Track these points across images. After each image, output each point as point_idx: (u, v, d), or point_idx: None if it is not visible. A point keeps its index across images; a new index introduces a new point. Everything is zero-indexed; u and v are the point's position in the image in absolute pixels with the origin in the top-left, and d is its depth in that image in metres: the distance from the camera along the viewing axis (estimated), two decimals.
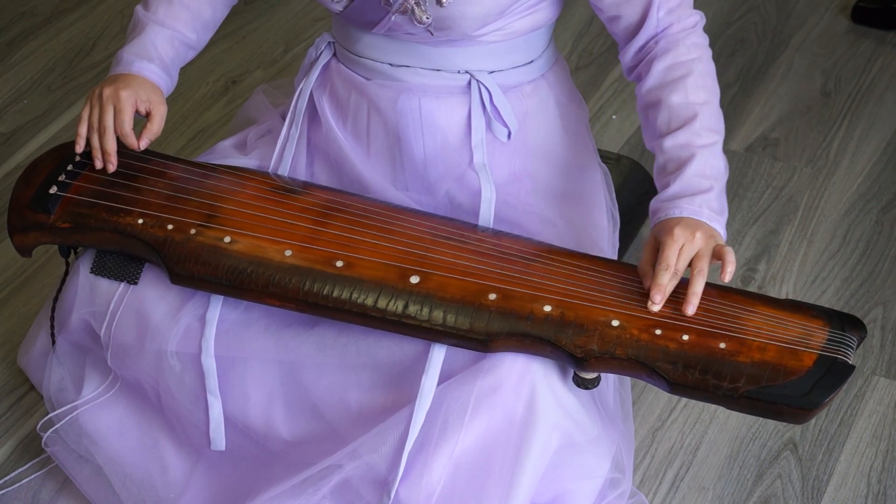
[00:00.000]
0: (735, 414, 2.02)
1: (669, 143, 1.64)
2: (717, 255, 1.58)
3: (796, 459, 1.97)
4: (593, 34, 2.88)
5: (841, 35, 2.89)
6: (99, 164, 1.76)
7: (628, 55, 1.71)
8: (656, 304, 1.55)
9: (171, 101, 2.68)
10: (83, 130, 1.76)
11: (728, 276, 1.55)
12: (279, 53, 2.84)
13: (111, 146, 1.74)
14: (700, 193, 1.60)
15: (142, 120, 1.77)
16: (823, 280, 2.28)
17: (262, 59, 2.82)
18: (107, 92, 1.74)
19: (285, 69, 2.78)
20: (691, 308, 1.55)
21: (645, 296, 1.59)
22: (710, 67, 1.68)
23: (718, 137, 1.65)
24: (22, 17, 2.94)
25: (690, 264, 1.57)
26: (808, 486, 1.93)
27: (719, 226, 1.60)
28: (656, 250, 1.60)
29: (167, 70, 1.80)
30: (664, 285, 1.55)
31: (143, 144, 1.75)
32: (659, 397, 2.05)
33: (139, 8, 1.82)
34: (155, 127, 1.76)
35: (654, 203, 1.63)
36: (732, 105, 2.68)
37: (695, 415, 2.03)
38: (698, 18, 1.70)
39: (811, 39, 2.88)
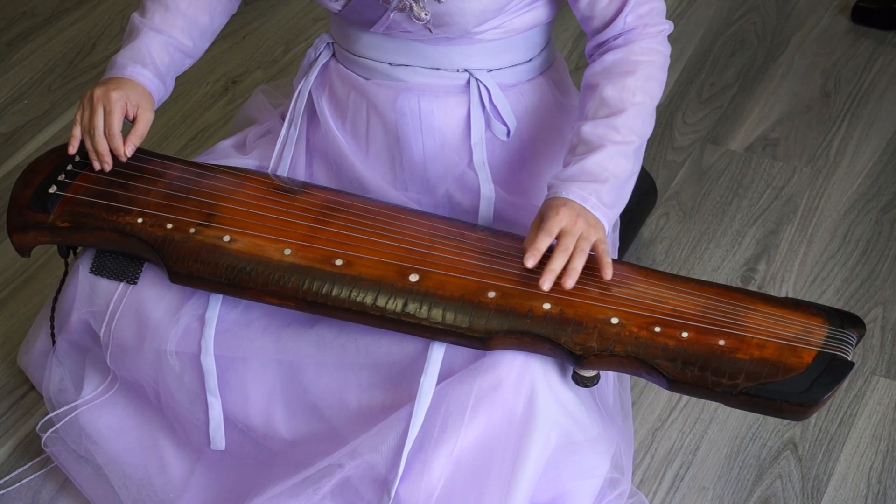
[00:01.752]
0: (735, 414, 2.02)
1: (588, 128, 1.66)
2: (596, 254, 1.60)
3: (796, 459, 1.97)
4: None
5: (841, 35, 2.89)
6: (97, 166, 1.76)
7: (590, 47, 1.75)
8: (529, 264, 1.57)
9: (172, 101, 2.68)
10: (77, 132, 1.76)
11: (608, 275, 1.58)
12: (279, 53, 2.84)
13: (102, 147, 1.74)
14: (594, 182, 1.61)
15: (129, 125, 1.77)
16: (823, 280, 2.28)
17: (262, 59, 2.82)
18: (98, 93, 1.74)
19: (285, 69, 2.78)
20: (570, 281, 1.56)
21: (644, 293, 1.59)
22: (657, 73, 1.70)
23: (638, 140, 1.66)
24: (22, 17, 2.95)
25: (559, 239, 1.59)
26: (808, 486, 1.93)
27: (603, 217, 1.61)
28: (538, 226, 1.61)
29: (161, 77, 1.79)
30: (540, 249, 1.57)
31: (129, 150, 1.74)
32: (659, 397, 2.05)
33: (135, 14, 1.82)
34: (139, 131, 1.75)
35: (550, 180, 1.65)
36: (732, 105, 2.69)
37: (695, 415, 2.03)
38: (665, 27, 1.72)
39: (811, 39, 2.88)
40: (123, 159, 1.75)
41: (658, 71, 1.70)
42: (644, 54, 1.69)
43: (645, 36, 1.69)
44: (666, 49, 1.72)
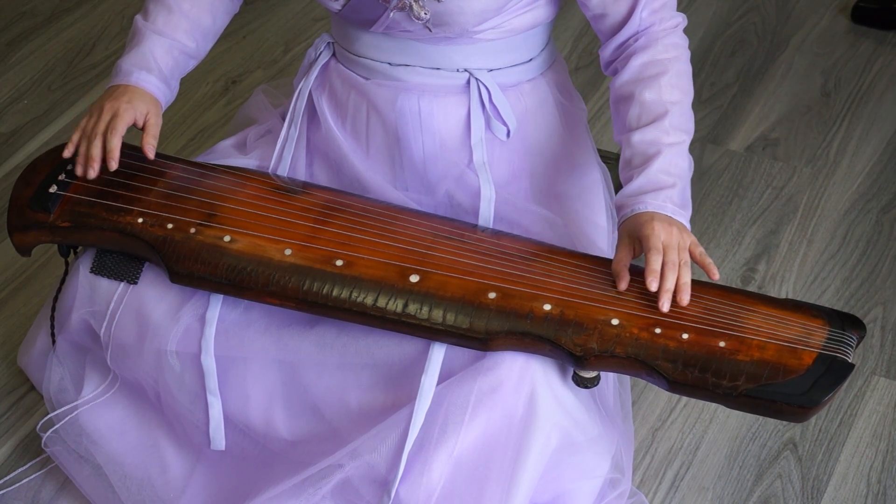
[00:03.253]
0: (735, 414, 2.02)
1: (637, 137, 1.65)
2: (697, 261, 1.59)
3: (796, 459, 1.97)
4: (593, 34, 2.88)
5: (841, 35, 2.89)
6: (80, 171, 1.74)
7: (608, 50, 1.73)
8: (653, 287, 1.56)
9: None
10: (76, 137, 1.76)
11: (716, 275, 1.59)
12: (279, 53, 2.84)
13: (96, 151, 1.73)
14: (663, 189, 1.61)
15: (135, 131, 1.77)
16: (823, 280, 2.28)
17: (262, 59, 2.82)
18: (108, 105, 1.74)
19: (285, 69, 2.78)
20: (686, 297, 1.56)
21: (644, 293, 1.59)
22: (686, 68, 1.70)
23: (686, 137, 1.66)
24: (22, 17, 2.94)
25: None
26: (808, 486, 1.93)
27: (684, 220, 1.62)
28: (630, 247, 1.61)
29: (166, 81, 1.79)
30: (657, 270, 1.56)
31: (150, 152, 1.74)
32: (659, 397, 2.05)
33: (138, 17, 1.82)
34: (152, 131, 1.76)
35: (618, 198, 1.65)
36: (732, 105, 2.69)
37: (695, 415, 2.03)
38: (680, 20, 1.71)
39: (811, 39, 2.88)
40: (114, 165, 1.72)
41: (685, 65, 1.70)
42: (669, 51, 1.68)
43: (664, 33, 1.69)
44: (686, 42, 1.71)
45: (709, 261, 1.59)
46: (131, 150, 1.78)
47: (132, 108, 1.74)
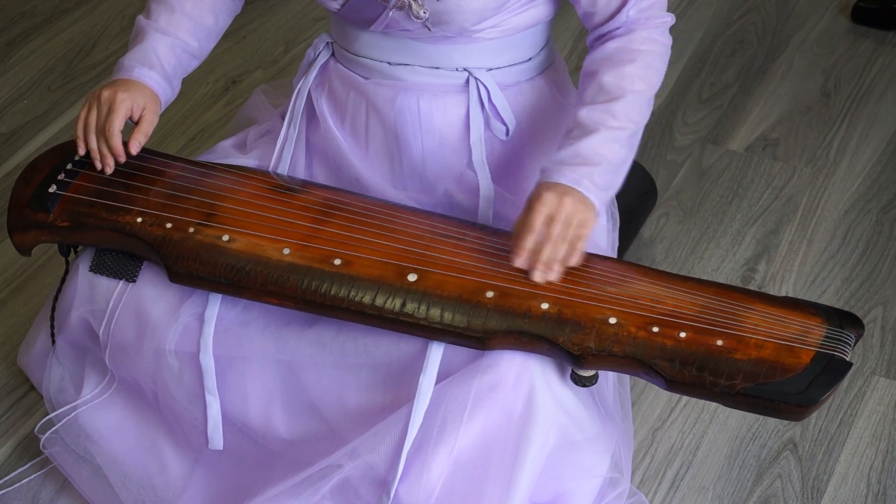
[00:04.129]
0: (735, 414, 2.02)
1: (584, 112, 1.66)
2: (571, 245, 1.59)
3: (796, 459, 1.97)
4: None
5: (841, 35, 2.89)
6: (99, 166, 1.76)
7: (591, 38, 1.75)
8: (517, 263, 1.57)
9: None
10: (81, 132, 1.76)
11: (574, 260, 1.59)
12: (279, 53, 2.84)
13: (104, 148, 1.74)
14: (585, 164, 1.61)
15: (130, 125, 1.77)
16: (823, 280, 2.27)
17: (262, 59, 2.82)
18: (105, 94, 1.74)
19: (285, 69, 2.78)
20: (554, 274, 1.57)
21: (642, 293, 1.59)
22: (656, 63, 1.70)
23: (633, 126, 1.66)
24: (22, 17, 2.95)
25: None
26: (808, 486, 1.93)
27: (596, 198, 1.61)
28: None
29: (168, 79, 1.79)
30: (526, 248, 1.57)
31: (135, 148, 1.75)
32: (659, 397, 2.05)
33: (140, 17, 1.82)
34: (144, 129, 1.75)
35: (544, 163, 1.65)
36: (732, 105, 2.69)
37: (695, 415, 2.02)
38: (667, 19, 1.72)
39: (811, 39, 2.88)
40: (122, 159, 1.75)
41: (657, 61, 1.70)
42: (644, 44, 1.69)
43: (645, 28, 1.70)
44: (666, 40, 1.72)
45: (579, 246, 1.59)
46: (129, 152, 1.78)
47: (129, 100, 1.73)
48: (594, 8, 1.71)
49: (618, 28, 1.71)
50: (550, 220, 1.58)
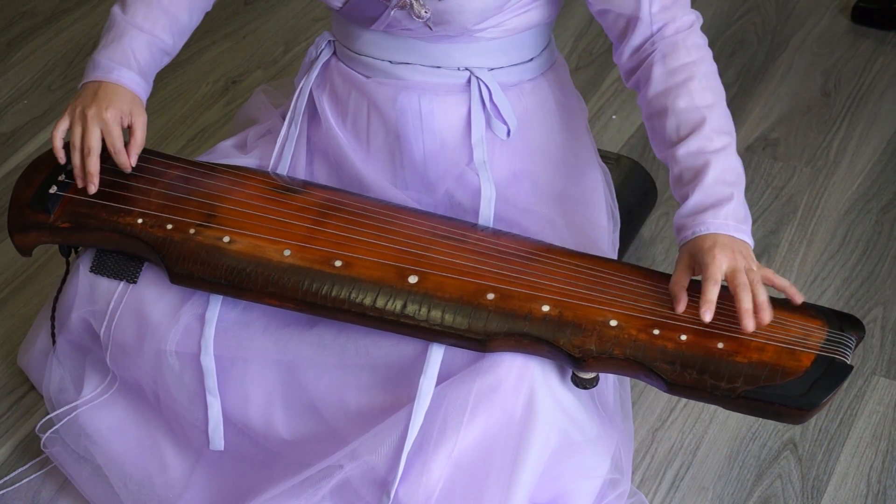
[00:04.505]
0: (735, 414, 2.02)
1: (682, 151, 1.60)
2: (775, 286, 1.55)
3: (796, 459, 1.97)
4: (593, 34, 2.88)
5: (841, 35, 2.89)
6: (81, 184, 1.74)
7: (624, 56, 1.69)
8: (707, 318, 1.52)
9: (171, 101, 2.68)
10: (59, 143, 1.74)
11: (799, 298, 1.55)
12: (279, 53, 2.84)
13: (95, 167, 1.72)
14: (722, 204, 1.57)
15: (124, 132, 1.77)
16: (823, 280, 2.27)
17: (262, 59, 2.82)
18: (91, 112, 1.72)
19: (285, 69, 2.78)
20: (768, 316, 1.51)
21: (643, 295, 1.59)
22: (712, 68, 1.65)
23: (730, 139, 1.61)
24: (22, 17, 2.95)
25: (728, 278, 1.54)
26: (808, 486, 1.93)
27: (746, 235, 1.57)
28: (690, 269, 1.57)
29: (144, 76, 1.78)
30: (713, 300, 1.52)
31: (133, 160, 1.75)
32: (659, 397, 2.05)
33: (116, 9, 1.80)
34: (139, 138, 1.75)
35: (677, 218, 1.60)
36: (732, 105, 2.65)
37: (695, 415, 2.02)
38: (694, 18, 1.68)
39: (811, 39, 2.88)
40: (129, 170, 1.74)
41: (711, 65, 1.65)
42: (691, 54, 1.63)
43: (680, 35, 1.64)
44: (705, 41, 1.67)
45: (786, 282, 1.55)
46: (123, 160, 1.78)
47: (117, 115, 1.72)
48: (609, 4, 1.65)
49: (651, 41, 1.65)
50: (732, 274, 1.52)
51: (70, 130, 1.74)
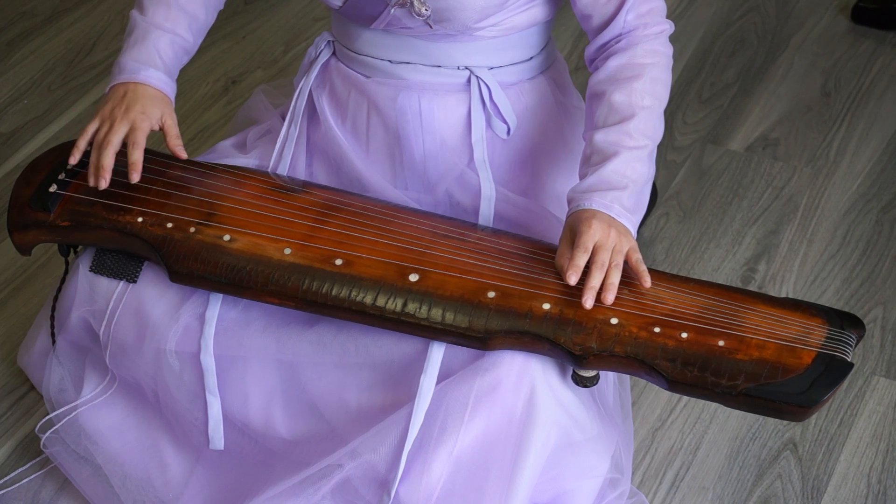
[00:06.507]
0: (735, 414, 2.02)
1: (600, 136, 1.66)
2: (630, 266, 1.60)
3: (796, 459, 1.97)
4: None
5: (841, 35, 2.89)
6: (92, 182, 1.74)
7: (591, 49, 1.74)
8: (571, 281, 1.57)
9: None
10: (83, 144, 1.74)
11: (647, 283, 1.60)
12: (279, 53, 2.84)
13: (109, 161, 1.72)
14: (614, 189, 1.62)
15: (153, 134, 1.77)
16: (823, 280, 2.27)
17: (262, 59, 2.82)
18: (120, 112, 1.73)
19: (285, 69, 2.78)
20: (611, 296, 1.57)
21: (644, 293, 1.59)
22: (663, 75, 1.70)
23: (650, 143, 1.66)
24: (22, 17, 2.94)
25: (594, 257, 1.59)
26: (808, 486, 1.93)
27: (629, 223, 1.62)
28: (570, 241, 1.62)
29: (171, 75, 1.79)
30: (580, 266, 1.57)
31: (182, 152, 1.76)
32: (659, 397, 2.05)
33: (135, 13, 1.81)
34: (174, 132, 1.76)
35: (569, 192, 1.66)
36: (732, 105, 2.68)
37: (695, 415, 2.02)
38: (666, 27, 1.72)
39: (811, 39, 2.88)
40: (137, 177, 1.73)
41: (663, 73, 1.70)
42: (648, 57, 1.69)
43: (646, 38, 1.69)
44: (668, 50, 1.72)
45: (643, 268, 1.60)
46: (126, 160, 1.78)
47: (147, 118, 1.73)
48: (592, 10, 1.70)
49: (618, 38, 1.70)
50: (597, 249, 1.58)
51: (97, 131, 1.74)
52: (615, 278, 1.57)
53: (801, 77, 2.76)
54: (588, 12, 1.71)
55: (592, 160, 1.66)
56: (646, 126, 1.66)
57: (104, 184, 1.72)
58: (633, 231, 1.63)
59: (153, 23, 1.79)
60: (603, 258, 1.57)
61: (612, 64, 1.69)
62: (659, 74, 1.69)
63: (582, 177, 1.66)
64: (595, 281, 1.57)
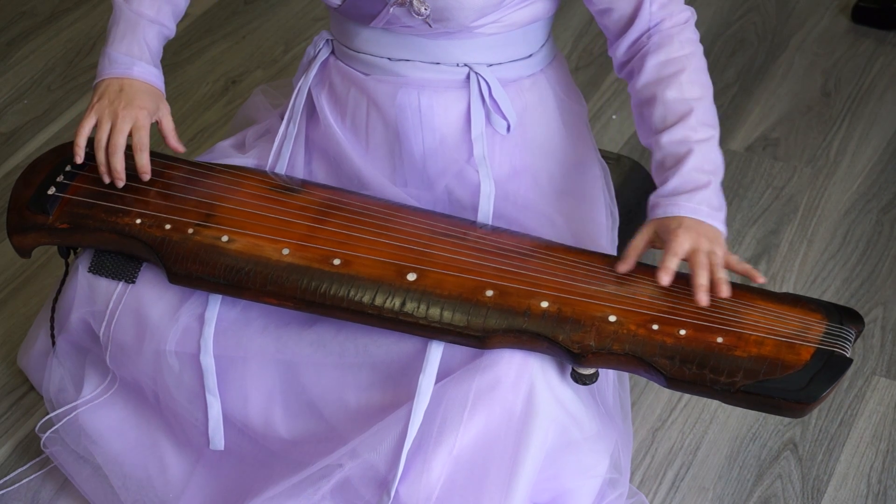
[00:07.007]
0: (735, 414, 2.02)
1: (666, 138, 1.64)
2: (737, 270, 1.59)
3: (796, 459, 1.96)
4: (593, 34, 2.88)
5: (841, 35, 2.89)
6: (107, 180, 1.74)
7: (620, 49, 1.72)
8: (665, 282, 1.57)
9: (171, 101, 2.68)
10: (82, 142, 1.74)
11: (761, 278, 1.59)
12: (279, 53, 2.84)
13: (121, 165, 1.72)
14: (698, 190, 1.60)
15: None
16: (824, 280, 2.27)
17: (262, 59, 2.82)
18: (122, 111, 1.72)
19: (285, 69, 2.78)
20: (726, 289, 1.56)
21: (642, 291, 1.59)
22: (702, 63, 1.69)
23: (714, 132, 1.65)
24: (22, 17, 2.95)
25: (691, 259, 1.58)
26: (808, 486, 1.93)
27: (719, 223, 1.61)
28: (650, 240, 1.62)
29: (159, 67, 1.79)
30: (672, 269, 1.57)
31: (181, 146, 1.77)
32: (659, 397, 2.05)
33: (119, 1, 1.79)
34: (169, 126, 1.77)
35: (653, 198, 1.64)
36: (732, 105, 2.68)
37: (695, 415, 2.02)
38: (690, 14, 1.70)
39: (811, 39, 2.88)
40: (147, 175, 1.74)
41: (701, 61, 1.69)
42: (684, 47, 1.67)
43: (676, 30, 1.67)
44: (697, 36, 1.70)
45: (747, 266, 1.59)
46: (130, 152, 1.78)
47: (148, 116, 1.73)
48: (610, 4, 1.69)
49: (647, 33, 1.68)
50: (693, 252, 1.57)
51: (97, 128, 1.74)
52: (721, 274, 1.56)
53: (801, 77, 2.76)
54: (606, 6, 1.69)
55: (667, 163, 1.64)
56: (705, 117, 1.65)
57: (121, 184, 1.73)
58: (723, 228, 1.61)
59: (139, 12, 1.78)
60: (701, 259, 1.56)
61: (652, 63, 1.67)
62: (699, 63, 1.68)
63: (661, 182, 1.64)
64: (702, 279, 1.55)
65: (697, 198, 1.60)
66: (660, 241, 1.61)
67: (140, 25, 1.77)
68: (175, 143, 1.77)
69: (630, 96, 1.72)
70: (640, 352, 1.54)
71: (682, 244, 1.57)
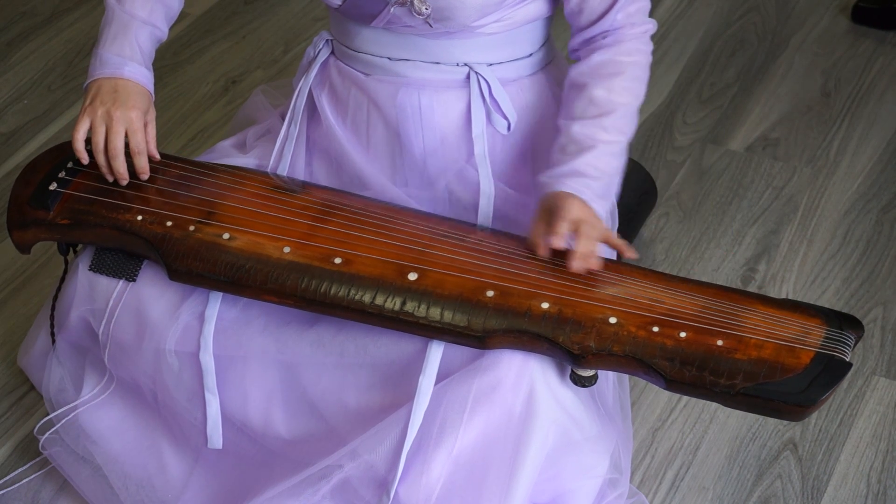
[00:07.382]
0: (735, 414, 2.02)
1: (577, 128, 1.69)
2: (610, 245, 1.65)
3: (796, 459, 1.96)
4: None
5: (841, 35, 2.89)
6: (111, 179, 1.75)
7: (576, 41, 1.76)
8: (556, 244, 1.60)
9: (172, 100, 2.68)
10: (81, 146, 1.73)
11: (632, 253, 1.64)
12: (279, 53, 2.84)
13: (124, 167, 1.73)
14: (587, 177, 1.65)
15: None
16: (823, 280, 2.27)
17: (262, 59, 2.82)
18: (116, 113, 1.72)
19: (285, 69, 2.78)
20: (595, 262, 1.60)
21: (642, 293, 1.59)
22: (642, 73, 1.73)
23: (623, 138, 1.70)
24: (22, 17, 2.95)
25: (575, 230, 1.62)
26: (808, 486, 1.93)
27: (600, 208, 1.65)
28: (545, 220, 1.64)
29: (150, 68, 1.79)
30: (562, 234, 1.61)
31: (155, 153, 1.76)
32: (659, 398, 2.05)
33: (112, 1, 1.79)
34: (153, 136, 1.76)
35: (543, 177, 1.68)
36: (732, 105, 2.68)
37: (695, 415, 2.02)
38: (650, 27, 1.74)
39: (811, 39, 2.88)
40: (147, 175, 1.75)
41: (643, 71, 1.73)
42: (631, 55, 1.71)
43: (631, 36, 1.72)
44: (649, 48, 1.75)
45: (622, 241, 1.64)
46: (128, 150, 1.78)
47: (141, 114, 1.73)
48: (581, 7, 1.72)
49: (604, 34, 1.72)
50: (580, 222, 1.61)
51: (92, 131, 1.73)
52: (585, 248, 1.61)
53: (801, 77, 2.76)
54: (578, 9, 1.73)
55: (568, 149, 1.69)
56: (622, 122, 1.69)
57: (125, 182, 1.74)
58: (604, 216, 1.67)
59: (132, 13, 1.77)
60: (587, 230, 1.60)
61: (596, 58, 1.72)
62: (639, 73, 1.72)
63: (555, 163, 1.69)
64: (583, 247, 1.60)
65: (584, 181, 1.65)
66: (549, 215, 1.64)
67: (132, 26, 1.77)
68: (154, 152, 1.76)
69: (566, 76, 1.76)
70: (641, 353, 1.54)
71: (571, 210, 1.61)
